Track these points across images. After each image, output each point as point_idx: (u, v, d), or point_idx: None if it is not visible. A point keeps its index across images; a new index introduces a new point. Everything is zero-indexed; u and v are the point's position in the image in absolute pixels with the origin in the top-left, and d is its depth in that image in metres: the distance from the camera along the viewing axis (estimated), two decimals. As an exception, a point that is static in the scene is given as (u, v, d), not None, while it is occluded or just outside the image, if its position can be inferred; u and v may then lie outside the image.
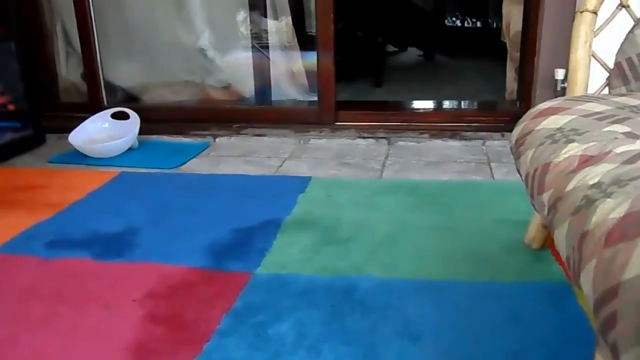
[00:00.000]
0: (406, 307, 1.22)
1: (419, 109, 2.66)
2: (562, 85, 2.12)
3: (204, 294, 1.29)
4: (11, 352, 1.11)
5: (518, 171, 0.98)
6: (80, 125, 2.41)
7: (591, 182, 0.67)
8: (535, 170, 0.84)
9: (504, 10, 2.80)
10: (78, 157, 2.31)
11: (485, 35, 3.51)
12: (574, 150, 0.78)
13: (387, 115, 2.60)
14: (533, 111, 1.04)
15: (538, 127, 0.94)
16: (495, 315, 1.18)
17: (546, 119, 0.95)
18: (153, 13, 2.83)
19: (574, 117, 0.92)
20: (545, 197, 0.77)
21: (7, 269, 1.44)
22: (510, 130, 2.36)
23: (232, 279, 1.35)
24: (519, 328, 1.14)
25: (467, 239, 1.53)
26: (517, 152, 0.97)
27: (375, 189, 1.90)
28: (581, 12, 1.20)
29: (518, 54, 2.56)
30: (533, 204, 0.86)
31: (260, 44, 2.87)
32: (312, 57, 2.98)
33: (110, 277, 1.37)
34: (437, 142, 2.42)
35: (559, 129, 0.90)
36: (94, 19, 2.68)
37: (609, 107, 0.94)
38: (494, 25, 3.72)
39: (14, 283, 1.37)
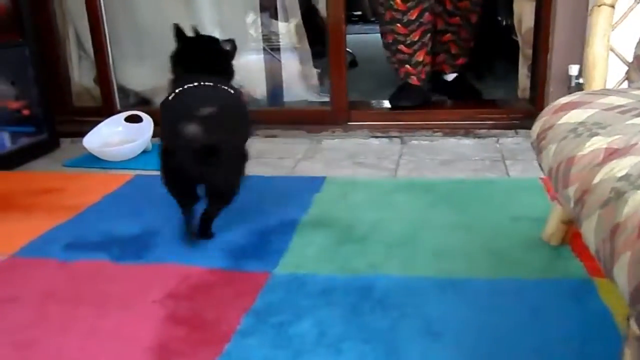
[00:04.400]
0: (426, 305, 1.22)
1: (431, 107, 2.64)
2: (577, 81, 2.11)
3: (223, 295, 1.29)
4: (32, 354, 1.12)
5: (540, 166, 0.97)
6: (95, 129, 2.42)
7: (619, 175, 0.67)
8: (559, 164, 0.84)
9: (515, 7, 2.78)
10: (92, 161, 2.32)
11: (495, 32, 3.49)
12: (598, 143, 0.78)
13: (400, 114, 2.60)
14: (553, 106, 1.04)
15: (560, 122, 0.94)
16: (517, 312, 1.18)
17: (567, 114, 0.95)
18: (164, 16, 2.83)
19: (595, 110, 0.91)
20: (571, 190, 0.77)
21: (27, 272, 1.45)
22: (524, 128, 2.37)
23: (251, 279, 1.35)
24: (541, 325, 1.13)
25: (485, 237, 1.52)
26: (538, 147, 0.97)
27: (391, 188, 1.90)
28: (599, 5, 1.19)
29: (530, 51, 2.55)
30: (557, 198, 0.85)
31: (271, 45, 2.88)
32: (323, 58, 3.00)
33: (130, 279, 1.38)
34: (451, 141, 2.41)
35: (581, 123, 0.89)
36: (106, 23, 2.69)
37: (631, 101, 0.93)
38: (504, 22, 3.69)
39: (33, 286, 1.37)
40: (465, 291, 1.27)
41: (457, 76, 2.89)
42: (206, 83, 1.54)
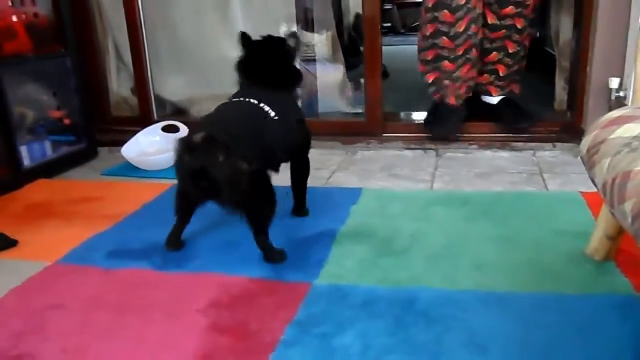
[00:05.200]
0: (470, 318, 1.21)
1: (466, 119, 2.63)
2: (617, 94, 2.08)
3: (265, 304, 1.29)
4: (82, 360, 1.14)
5: (592, 181, 0.96)
6: (133, 138, 2.46)
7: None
8: (614, 179, 0.83)
9: (552, 20, 2.76)
10: (130, 170, 2.36)
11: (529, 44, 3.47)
12: (656, 158, 0.77)
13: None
14: (602, 120, 1.03)
15: (612, 136, 0.93)
16: (563, 327, 1.16)
17: (620, 128, 0.94)
18: (201, 28, 2.88)
19: (649, 125, 0.90)
20: (628, 206, 0.76)
21: (71, 279, 1.48)
22: (562, 141, 2.35)
23: (292, 290, 1.35)
24: (588, 341, 1.11)
25: (526, 250, 1.50)
26: (590, 161, 0.96)
27: (428, 200, 1.89)
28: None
29: (567, 63, 2.53)
30: (613, 213, 0.85)
31: (305, 57, 2.90)
32: (356, 69, 3.01)
33: (172, 288, 1.39)
34: (487, 153, 2.40)
35: (636, 137, 0.88)
36: (145, 35, 2.74)
37: (685, 115, 0.92)
38: (537, 34, 3.67)
39: (78, 293, 1.40)
40: (508, 305, 1.26)
41: (503, 98, 2.56)
42: (246, 99, 1.57)
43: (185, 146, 1.38)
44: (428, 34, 2.38)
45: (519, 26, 2.38)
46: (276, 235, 1.63)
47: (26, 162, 2.29)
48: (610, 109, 2.11)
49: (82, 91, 2.56)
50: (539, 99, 2.96)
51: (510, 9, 2.34)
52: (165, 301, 1.33)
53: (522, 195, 1.91)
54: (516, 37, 2.40)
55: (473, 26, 2.32)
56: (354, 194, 1.96)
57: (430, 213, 1.79)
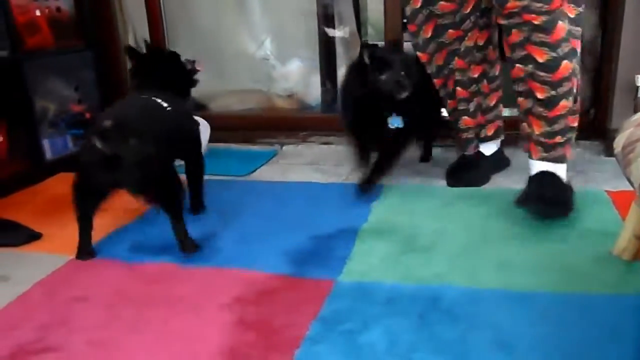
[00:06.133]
0: (495, 317, 1.20)
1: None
2: (643, 92, 2.05)
3: (290, 300, 1.29)
4: (107, 354, 1.14)
5: (628, 179, 0.95)
6: (153, 133, 2.46)
7: None
8: (652, 178, 0.81)
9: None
10: (151, 164, 2.36)
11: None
12: (697, 157, 0.75)
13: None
14: (637, 118, 1.01)
15: (648, 134, 0.91)
16: (591, 327, 1.15)
17: (656, 126, 0.92)
18: (221, 23, 2.88)
19: (686, 123, 0.89)
20: (667, 205, 0.75)
21: (94, 272, 1.49)
22: (585, 139, 2.32)
23: (316, 286, 1.35)
24: (616, 342, 1.10)
25: (550, 249, 1.49)
26: (625, 159, 0.94)
27: (449, 197, 1.88)
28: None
29: (591, 61, 2.49)
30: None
31: (326, 52, 2.89)
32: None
33: (196, 282, 1.40)
34: (507, 151, 2.37)
35: (673, 136, 0.86)
36: (166, 30, 2.75)
37: None
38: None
39: (102, 286, 1.41)
40: (533, 304, 1.24)
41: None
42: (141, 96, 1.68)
43: (94, 133, 1.39)
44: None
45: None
46: (297, 232, 1.64)
47: (48, 155, 2.31)
48: (635, 107, 2.09)
49: (102, 85, 2.57)
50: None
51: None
52: (190, 295, 1.33)
53: (545, 194, 1.89)
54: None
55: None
56: (375, 190, 1.95)
57: (452, 210, 1.77)
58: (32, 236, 1.69)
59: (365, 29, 4.14)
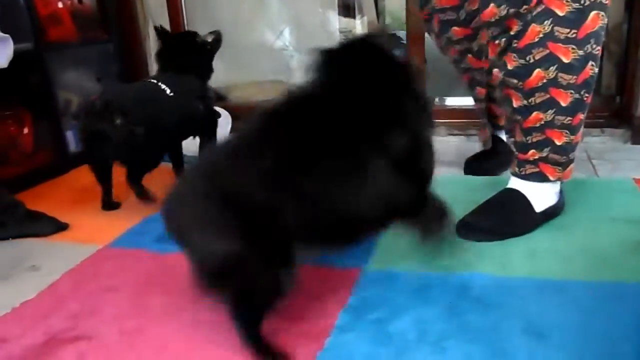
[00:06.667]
0: (527, 305, 1.19)
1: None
2: (670, 78, 2.01)
3: (317, 289, 1.29)
4: (138, 342, 1.15)
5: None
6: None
7: None
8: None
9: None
10: (174, 155, 2.36)
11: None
12: None
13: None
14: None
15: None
16: (624, 316, 1.13)
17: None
18: (241, 14, 2.88)
19: None
20: None
21: (122, 262, 1.49)
22: (611, 126, 2.29)
23: (343, 275, 1.34)
24: (651, 330, 1.09)
25: (579, 238, 1.47)
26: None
27: (475, 187, 1.86)
28: None
29: (617, 47, 2.46)
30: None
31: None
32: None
33: (223, 271, 1.39)
34: (532, 139, 2.35)
35: None
36: (186, 22, 2.75)
37: None
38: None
39: (132, 276, 1.41)
40: (564, 293, 1.23)
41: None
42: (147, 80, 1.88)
43: (84, 110, 1.56)
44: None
45: None
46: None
47: (72, 147, 2.32)
48: (662, 95, 2.06)
49: (124, 77, 2.58)
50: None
51: None
52: (218, 285, 1.33)
53: (571, 182, 1.84)
54: None
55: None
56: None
57: (478, 199, 1.75)
58: (60, 227, 1.71)
59: (384, 18, 4.13)
